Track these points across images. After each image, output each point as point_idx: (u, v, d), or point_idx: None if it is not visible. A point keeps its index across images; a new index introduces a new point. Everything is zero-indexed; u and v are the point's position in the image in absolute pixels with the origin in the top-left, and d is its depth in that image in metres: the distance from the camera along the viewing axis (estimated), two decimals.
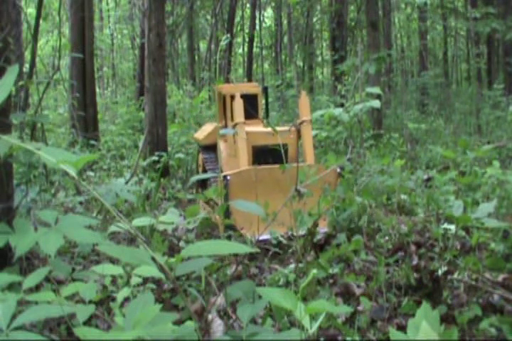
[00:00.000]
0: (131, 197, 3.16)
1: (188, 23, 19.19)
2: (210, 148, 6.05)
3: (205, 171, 5.99)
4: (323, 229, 4.15)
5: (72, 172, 1.54)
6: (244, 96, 5.48)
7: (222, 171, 5.27)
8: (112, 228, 2.46)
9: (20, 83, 4.38)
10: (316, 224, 3.94)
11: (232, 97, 5.56)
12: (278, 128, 5.24)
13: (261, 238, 3.88)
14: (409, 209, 4.71)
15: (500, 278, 3.03)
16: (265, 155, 5.06)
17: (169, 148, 8.41)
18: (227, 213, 4.14)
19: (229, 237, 4.04)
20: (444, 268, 3.03)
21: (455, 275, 3.04)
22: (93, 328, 1.67)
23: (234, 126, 5.04)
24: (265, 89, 6.38)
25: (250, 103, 5.59)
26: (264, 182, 4.46)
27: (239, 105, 5.06)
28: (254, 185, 4.41)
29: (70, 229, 1.85)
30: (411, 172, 6.24)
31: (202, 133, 6.21)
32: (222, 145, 5.60)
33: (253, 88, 6.25)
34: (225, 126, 5.94)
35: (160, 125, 7.85)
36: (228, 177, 4.43)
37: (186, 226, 4.32)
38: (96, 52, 18.21)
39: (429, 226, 3.99)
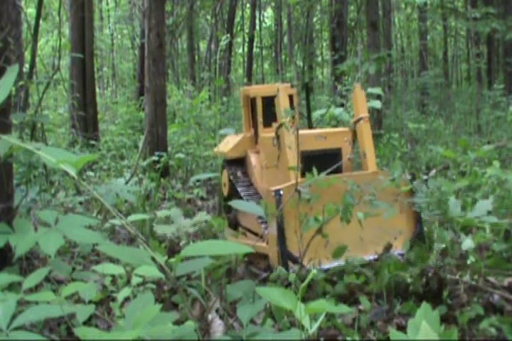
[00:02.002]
0: (131, 197, 3.16)
1: (188, 23, 19.18)
2: (237, 163, 5.07)
3: (233, 191, 4.91)
4: (399, 251, 3.57)
5: (72, 172, 1.54)
6: (275, 99, 4.69)
7: (256, 187, 4.65)
8: (109, 223, 2.46)
9: (20, 83, 4.38)
10: (389, 246, 3.44)
11: (265, 99, 4.86)
12: (332, 130, 4.70)
13: (325, 266, 3.33)
14: None
15: (506, 282, 3.02)
16: (314, 163, 4.06)
17: (169, 148, 8.41)
18: (281, 238, 3.43)
19: (286, 268, 3.37)
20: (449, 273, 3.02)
21: (457, 276, 3.04)
22: (93, 328, 1.67)
23: (278, 128, 4.14)
24: (306, 86, 5.41)
25: None
26: (323, 196, 3.61)
27: (283, 102, 4.18)
28: (312, 199, 3.56)
29: (70, 229, 1.85)
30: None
31: (227, 146, 5.18)
32: (253, 158, 4.82)
33: (287, 88, 5.32)
34: (256, 136, 4.98)
35: (160, 125, 7.85)
36: (281, 192, 3.52)
37: (187, 230, 4.24)
38: (96, 52, 18.21)
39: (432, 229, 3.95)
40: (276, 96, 4.18)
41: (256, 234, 4.27)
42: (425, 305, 1.83)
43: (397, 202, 3.68)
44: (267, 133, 4.63)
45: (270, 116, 4.69)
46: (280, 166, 4.20)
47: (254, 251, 1.79)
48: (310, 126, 5.09)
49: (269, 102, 4.73)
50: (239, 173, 4.97)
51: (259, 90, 5.08)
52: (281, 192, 3.51)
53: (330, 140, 4.23)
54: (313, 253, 3.34)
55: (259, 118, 4.88)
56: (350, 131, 4.33)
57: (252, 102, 5.10)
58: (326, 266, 3.38)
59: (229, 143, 5.19)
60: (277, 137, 4.15)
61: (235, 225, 4.89)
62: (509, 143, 7.76)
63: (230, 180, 4.94)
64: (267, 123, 4.80)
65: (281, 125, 4.09)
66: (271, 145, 4.36)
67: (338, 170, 4.14)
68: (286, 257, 3.44)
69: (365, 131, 4.25)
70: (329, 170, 3.84)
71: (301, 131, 4.36)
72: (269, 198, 3.57)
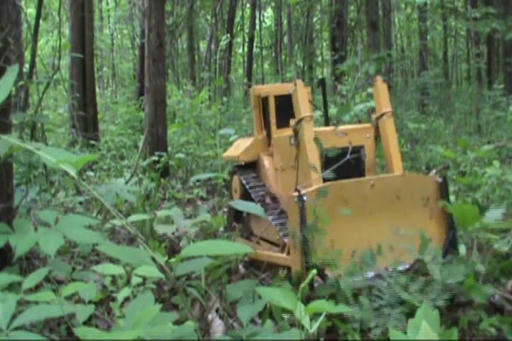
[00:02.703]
0: (131, 197, 3.16)
1: (188, 23, 19.19)
2: (249, 168, 4.75)
3: (245, 197, 4.52)
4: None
5: (72, 172, 1.54)
6: (289, 97, 4.38)
7: (270, 192, 4.37)
8: (109, 224, 2.46)
9: (20, 83, 4.38)
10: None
11: (277, 98, 4.57)
12: (353, 126, 4.35)
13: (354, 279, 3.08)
14: None
15: (510, 285, 3.00)
16: (335, 161, 3.82)
17: (169, 148, 8.41)
18: (306, 249, 3.14)
19: (311, 286, 3.05)
20: None
21: None
22: (93, 328, 1.67)
23: (297, 123, 3.82)
24: (322, 82, 5.03)
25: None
26: (349, 201, 3.36)
27: (302, 96, 3.86)
28: (336, 205, 3.31)
29: (70, 229, 1.85)
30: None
31: (237, 150, 4.85)
32: (266, 161, 4.54)
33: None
34: (269, 137, 4.66)
35: (160, 125, 7.85)
36: (304, 197, 3.21)
37: (187, 230, 4.21)
38: (96, 52, 18.22)
39: None
40: (292, 93, 3.91)
41: (271, 243, 4.02)
42: (425, 305, 1.83)
43: (427, 207, 3.52)
44: (281, 134, 4.39)
45: (283, 116, 4.42)
46: (298, 167, 3.89)
47: (253, 251, 1.77)
48: (327, 124, 4.81)
49: (281, 102, 4.51)
50: (252, 178, 4.63)
51: (271, 89, 4.76)
52: (305, 198, 3.21)
53: (351, 137, 3.95)
54: (340, 264, 3.08)
55: (272, 119, 4.56)
56: (372, 127, 4.08)
57: (263, 102, 4.77)
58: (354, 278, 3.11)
59: (239, 147, 4.88)
60: (295, 134, 3.85)
61: (247, 234, 4.65)
62: (509, 143, 7.76)
63: (241, 186, 4.62)
64: (281, 124, 4.53)
65: (300, 120, 3.78)
66: (286, 145, 4.12)
67: (361, 169, 3.94)
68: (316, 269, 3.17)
69: (389, 126, 3.98)
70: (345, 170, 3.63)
71: (320, 128, 4.24)
72: (290, 205, 3.25)
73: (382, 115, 3.98)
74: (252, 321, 2.78)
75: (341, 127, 4.17)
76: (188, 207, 6.04)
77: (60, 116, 13.58)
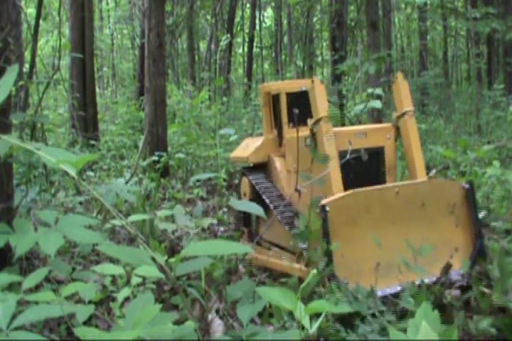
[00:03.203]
0: (131, 197, 3.16)
1: (188, 23, 19.20)
2: (259, 169, 4.48)
3: (255, 200, 4.05)
4: (457, 272, 3.15)
5: (72, 172, 1.54)
6: (301, 94, 4.16)
7: (282, 195, 4.14)
8: (109, 224, 2.46)
9: (20, 83, 4.38)
10: (448, 266, 3.06)
11: (289, 95, 4.31)
12: (373, 126, 4.15)
13: (378, 293, 2.88)
14: None
15: None
16: (353, 164, 3.62)
17: (169, 148, 8.42)
18: (328, 262, 2.94)
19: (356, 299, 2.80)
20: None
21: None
22: (93, 328, 1.67)
23: (315, 124, 3.58)
24: (338, 79, 4.89)
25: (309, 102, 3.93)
26: (372, 210, 3.16)
27: (320, 94, 3.61)
28: (359, 214, 3.12)
29: (70, 229, 1.85)
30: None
31: (246, 150, 4.59)
32: (277, 162, 4.28)
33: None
34: (280, 137, 4.40)
35: (160, 125, 7.85)
36: (327, 208, 3.01)
37: (188, 230, 4.19)
38: (96, 52, 18.22)
39: None
40: (309, 90, 3.68)
41: (282, 248, 3.80)
42: (425, 305, 1.83)
43: (453, 215, 3.34)
44: (294, 133, 4.12)
45: (296, 114, 4.18)
46: (315, 169, 3.63)
47: (253, 250, 1.76)
48: (343, 124, 4.59)
49: (293, 99, 4.27)
50: (263, 180, 4.38)
51: (282, 86, 4.47)
52: (327, 209, 3.00)
53: (371, 137, 3.74)
54: (364, 278, 2.93)
55: (284, 118, 4.29)
56: (392, 127, 3.86)
57: (273, 100, 4.50)
58: (379, 292, 2.92)
59: (248, 148, 4.60)
60: (312, 135, 3.64)
61: (255, 239, 4.40)
62: (509, 143, 7.76)
63: (252, 189, 4.38)
64: (293, 123, 4.25)
65: (318, 120, 3.52)
66: (301, 146, 3.84)
67: (380, 172, 3.75)
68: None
69: (411, 127, 3.76)
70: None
71: (339, 128, 3.95)
72: (316, 214, 3.08)
73: (403, 114, 3.78)
74: (252, 321, 2.78)
75: (360, 127, 4.01)
76: (188, 207, 6.04)
77: (60, 116, 13.58)
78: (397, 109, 3.85)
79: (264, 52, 26.82)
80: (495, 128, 10.72)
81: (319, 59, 27.60)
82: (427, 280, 2.95)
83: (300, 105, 3.95)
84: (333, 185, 3.38)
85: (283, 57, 23.40)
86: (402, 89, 3.84)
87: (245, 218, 4.54)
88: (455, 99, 15.92)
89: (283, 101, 4.30)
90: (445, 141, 9.66)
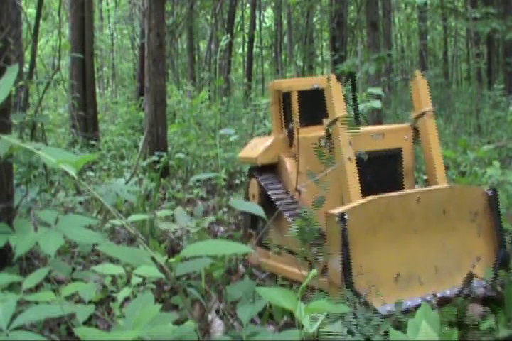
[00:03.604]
0: (131, 197, 3.16)
1: (188, 23, 19.20)
2: (268, 170, 4.28)
3: (264, 202, 4.05)
4: (479, 282, 2.98)
5: (72, 173, 1.54)
6: (313, 92, 3.97)
7: (292, 197, 3.98)
8: (109, 224, 2.46)
9: (20, 83, 4.38)
10: (470, 277, 2.93)
11: (300, 94, 4.12)
12: (390, 127, 3.93)
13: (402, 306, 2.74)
14: None
15: None
16: (371, 166, 3.44)
17: (169, 148, 8.42)
18: (348, 273, 2.77)
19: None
20: None
21: None
22: (93, 328, 1.67)
23: (330, 125, 3.39)
24: (352, 77, 4.42)
25: (323, 101, 3.69)
26: (393, 218, 2.97)
27: (337, 93, 3.43)
28: (380, 223, 2.94)
29: (70, 229, 1.85)
30: None
31: (255, 150, 4.37)
32: (288, 163, 4.09)
33: (325, 81, 4.20)
34: (290, 137, 4.21)
35: (160, 125, 7.85)
36: (346, 216, 2.83)
37: (189, 229, 4.18)
38: (96, 52, 18.22)
39: None
40: (325, 89, 3.49)
41: (294, 254, 3.63)
42: (425, 305, 1.83)
43: (475, 223, 3.19)
44: (307, 133, 3.96)
45: (307, 113, 4.05)
46: (330, 173, 3.43)
47: (253, 251, 1.75)
48: (357, 124, 4.42)
49: (305, 97, 4.11)
50: (273, 182, 4.20)
51: (293, 83, 4.27)
52: (347, 217, 2.81)
53: (388, 138, 3.56)
54: (383, 290, 2.80)
55: (296, 117, 4.10)
56: (410, 128, 3.69)
57: (284, 98, 4.30)
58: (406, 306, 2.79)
59: (257, 147, 4.39)
60: (328, 136, 3.46)
61: (265, 243, 4.26)
62: (509, 143, 7.76)
63: (261, 190, 4.20)
64: (304, 123, 4.10)
65: (335, 120, 3.33)
66: (314, 147, 3.65)
67: (398, 175, 3.58)
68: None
69: (430, 127, 3.58)
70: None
71: (355, 128, 3.66)
72: (330, 225, 2.89)
73: (422, 114, 3.60)
74: (252, 321, 2.78)
75: (377, 127, 3.86)
76: (188, 207, 6.04)
77: (60, 116, 13.58)
78: (415, 109, 3.69)
79: (264, 52, 26.83)
80: (495, 128, 10.72)
81: (319, 59, 27.60)
82: (448, 292, 2.86)
83: (312, 103, 3.79)
84: (350, 191, 3.21)
85: (283, 57, 23.40)
86: (421, 88, 3.68)
87: (253, 220, 4.39)
88: (455, 99, 15.92)
89: (294, 100, 4.12)
90: (445, 141, 9.66)
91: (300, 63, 22.82)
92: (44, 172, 4.69)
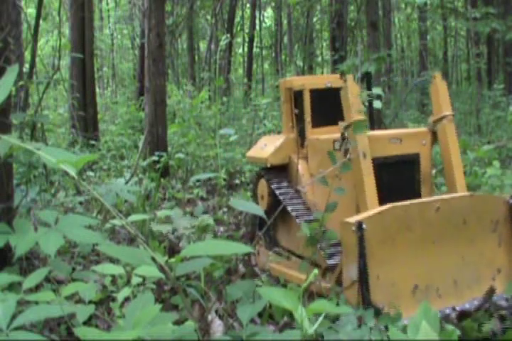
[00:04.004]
0: (131, 197, 3.16)
1: (188, 23, 19.20)
2: (278, 171, 4.09)
3: (274, 205, 3.86)
4: (500, 296, 2.87)
5: (72, 172, 1.54)
6: (326, 91, 3.80)
7: (304, 200, 3.80)
8: (109, 224, 2.46)
9: (20, 83, 4.38)
10: (492, 290, 2.81)
11: (313, 92, 3.94)
12: (407, 130, 3.78)
13: None
14: None
15: None
16: (387, 173, 3.31)
17: (169, 148, 8.42)
18: (365, 286, 2.64)
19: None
20: None
21: None
22: (93, 328, 1.67)
23: (347, 128, 3.25)
24: (367, 77, 4.20)
25: (336, 101, 3.53)
26: (412, 227, 2.84)
27: (354, 93, 3.26)
28: (398, 232, 2.80)
29: (70, 229, 1.85)
30: None
31: (265, 150, 4.18)
32: (300, 165, 3.91)
33: (338, 80, 4.10)
34: (302, 137, 4.01)
35: (160, 125, 7.85)
36: (364, 226, 2.68)
37: (185, 230, 4.17)
38: (96, 52, 18.22)
39: None
40: (341, 90, 3.32)
41: (302, 258, 3.48)
42: (425, 305, 1.83)
43: (496, 233, 3.06)
44: (319, 134, 3.81)
45: (319, 113, 3.90)
46: (344, 177, 3.30)
47: (253, 251, 1.74)
48: (372, 126, 4.25)
49: (317, 96, 3.96)
50: (284, 183, 4.02)
51: (305, 81, 4.07)
52: (364, 226, 2.67)
53: (406, 143, 3.44)
54: (400, 303, 2.66)
55: (307, 117, 3.92)
56: (429, 132, 3.55)
57: (295, 96, 4.13)
58: None
59: (267, 147, 4.20)
60: (343, 139, 3.31)
61: (273, 246, 4.15)
62: (509, 143, 7.76)
63: (270, 192, 4.03)
64: (316, 123, 3.94)
65: (351, 124, 3.18)
66: (328, 150, 3.44)
67: (415, 181, 3.45)
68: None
69: (450, 132, 3.43)
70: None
71: (372, 132, 3.57)
72: (345, 232, 2.74)
73: (441, 118, 3.45)
74: (252, 321, 2.78)
75: (394, 131, 3.70)
76: (188, 207, 6.04)
77: (60, 116, 13.58)
78: (434, 113, 3.54)
79: (264, 52, 26.83)
80: (495, 128, 10.72)
81: (319, 59, 27.60)
82: (467, 306, 2.76)
83: (325, 103, 3.63)
84: (367, 198, 3.07)
85: (283, 57, 23.40)
86: (441, 91, 3.51)
87: (261, 222, 4.21)
88: (455, 99, 15.92)
89: (306, 99, 3.95)
90: None
91: (300, 63, 22.82)
92: (44, 172, 4.69)
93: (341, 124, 3.29)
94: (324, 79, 4.01)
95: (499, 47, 17.44)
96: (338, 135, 3.39)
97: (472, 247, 2.97)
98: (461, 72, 25.01)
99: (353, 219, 2.74)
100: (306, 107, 3.97)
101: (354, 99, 3.26)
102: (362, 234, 2.66)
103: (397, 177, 3.37)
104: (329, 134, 3.67)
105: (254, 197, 4.33)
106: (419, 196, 3.36)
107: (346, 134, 3.26)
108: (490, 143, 8.38)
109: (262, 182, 4.17)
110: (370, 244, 2.69)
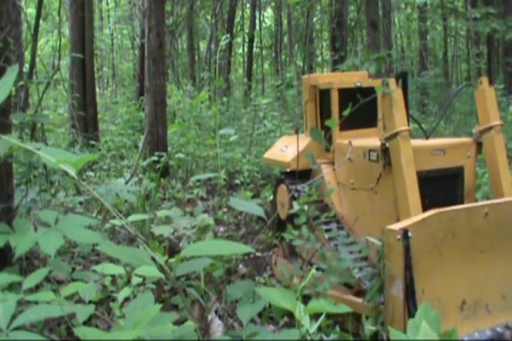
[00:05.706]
0: (131, 197, 3.16)
1: (188, 23, 19.20)
2: (300, 177, 3.66)
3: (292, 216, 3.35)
4: None
5: (72, 173, 1.54)
6: (355, 91, 3.46)
7: (331, 210, 3.51)
8: (109, 224, 2.46)
9: (20, 83, 4.38)
10: None
11: (341, 92, 3.60)
12: (450, 141, 3.47)
13: (464, 338, 2.42)
14: None
15: None
16: (430, 187, 3.05)
17: (169, 148, 8.42)
18: (412, 303, 2.35)
19: None
20: None
21: None
22: (93, 328, 1.67)
23: (389, 139, 2.97)
24: (403, 76, 3.46)
25: (368, 102, 3.26)
26: (458, 235, 2.57)
27: (398, 101, 2.95)
28: (444, 240, 2.54)
29: (70, 229, 1.85)
30: None
31: (287, 153, 3.81)
32: (326, 171, 3.63)
33: (366, 78, 3.74)
34: (327, 140, 3.63)
35: (160, 125, 7.85)
36: (410, 234, 2.40)
37: (185, 230, 4.16)
38: (96, 52, 18.22)
39: None
40: (382, 96, 3.03)
41: (323, 270, 3.19)
42: (425, 305, 1.83)
43: None
44: (347, 138, 3.45)
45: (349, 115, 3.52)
46: (381, 189, 3.05)
47: (253, 251, 1.73)
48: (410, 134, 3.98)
49: (345, 96, 3.61)
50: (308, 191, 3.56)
51: (333, 79, 3.71)
52: (410, 235, 2.39)
53: (450, 155, 3.19)
54: (447, 319, 2.38)
55: (335, 118, 3.52)
56: (474, 143, 3.35)
57: (321, 95, 3.77)
58: (465, 337, 2.42)
59: (288, 149, 3.81)
60: (383, 150, 3.03)
61: (291, 256, 3.89)
62: (509, 143, 7.76)
63: (291, 199, 3.64)
64: (344, 126, 3.59)
65: (395, 134, 2.90)
66: (360, 159, 3.17)
67: (458, 195, 3.20)
68: None
69: (498, 144, 3.17)
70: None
71: (414, 143, 3.19)
72: (389, 241, 2.44)
73: (489, 128, 3.21)
74: (252, 321, 2.78)
75: (437, 141, 3.42)
76: (188, 207, 6.04)
77: (60, 116, 13.58)
78: (480, 122, 3.30)
79: (264, 52, 26.82)
80: None
81: (319, 59, 27.58)
82: None
83: (354, 103, 3.32)
84: (411, 209, 2.83)
85: (283, 57, 23.38)
86: (488, 98, 3.21)
87: (279, 223, 3.85)
88: (455, 99, 15.91)
89: (334, 99, 3.61)
90: None
91: (300, 63, 22.80)
92: (44, 172, 4.68)
93: (382, 133, 3.02)
94: (352, 77, 3.73)
95: (499, 47, 17.43)
96: (372, 142, 3.19)
97: None
98: (461, 72, 24.99)
99: (397, 226, 2.47)
100: (333, 108, 3.63)
101: (398, 107, 2.96)
102: (408, 243, 2.39)
103: (440, 193, 3.12)
104: (359, 139, 3.43)
105: (273, 204, 3.95)
106: None
107: (387, 145, 3.00)
108: None
109: (282, 188, 3.81)
110: (415, 253, 2.42)
